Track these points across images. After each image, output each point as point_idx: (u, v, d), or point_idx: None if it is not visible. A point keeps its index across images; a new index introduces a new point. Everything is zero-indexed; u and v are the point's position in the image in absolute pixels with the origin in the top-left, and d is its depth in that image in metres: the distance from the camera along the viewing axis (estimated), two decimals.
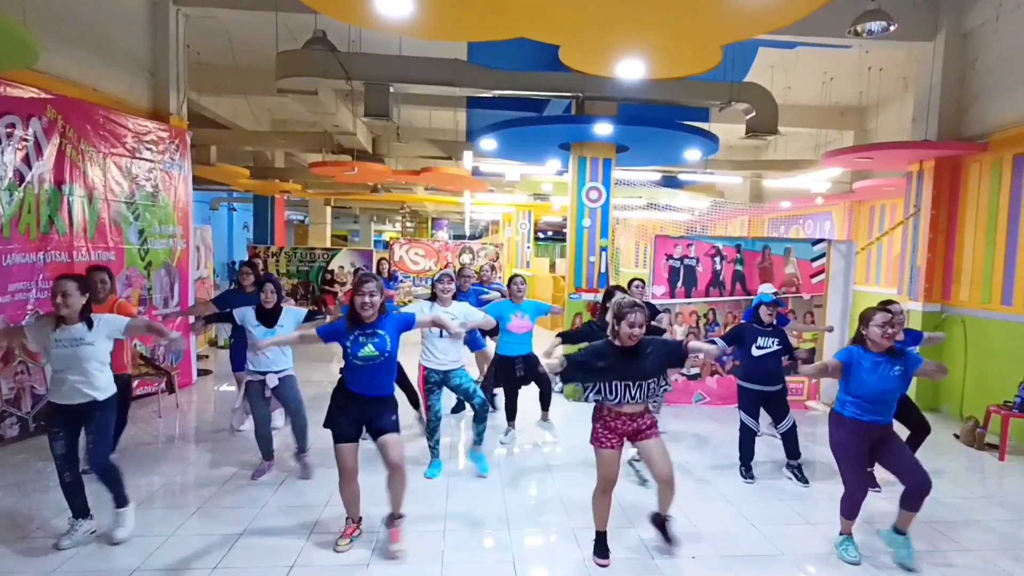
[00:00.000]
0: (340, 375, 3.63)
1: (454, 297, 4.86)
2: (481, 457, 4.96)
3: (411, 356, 4.85)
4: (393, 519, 3.68)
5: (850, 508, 3.70)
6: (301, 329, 4.27)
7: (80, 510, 3.65)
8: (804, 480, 4.88)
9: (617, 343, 3.44)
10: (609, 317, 3.54)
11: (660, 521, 3.69)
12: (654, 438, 3.49)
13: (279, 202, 17.84)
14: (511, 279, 5.67)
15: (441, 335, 4.72)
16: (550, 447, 5.69)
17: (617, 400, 3.42)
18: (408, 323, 3.72)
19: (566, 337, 5.23)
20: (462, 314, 4.79)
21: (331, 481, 4.57)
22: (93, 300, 3.68)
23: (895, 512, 3.65)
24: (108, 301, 4.50)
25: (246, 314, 4.64)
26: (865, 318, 3.68)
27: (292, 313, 4.69)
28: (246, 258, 14.74)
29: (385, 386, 3.62)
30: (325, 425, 3.60)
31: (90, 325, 3.54)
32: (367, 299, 3.49)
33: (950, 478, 5.15)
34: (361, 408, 3.58)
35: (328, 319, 5.02)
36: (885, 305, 4.56)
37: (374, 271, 9.64)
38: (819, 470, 5.19)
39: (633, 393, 3.40)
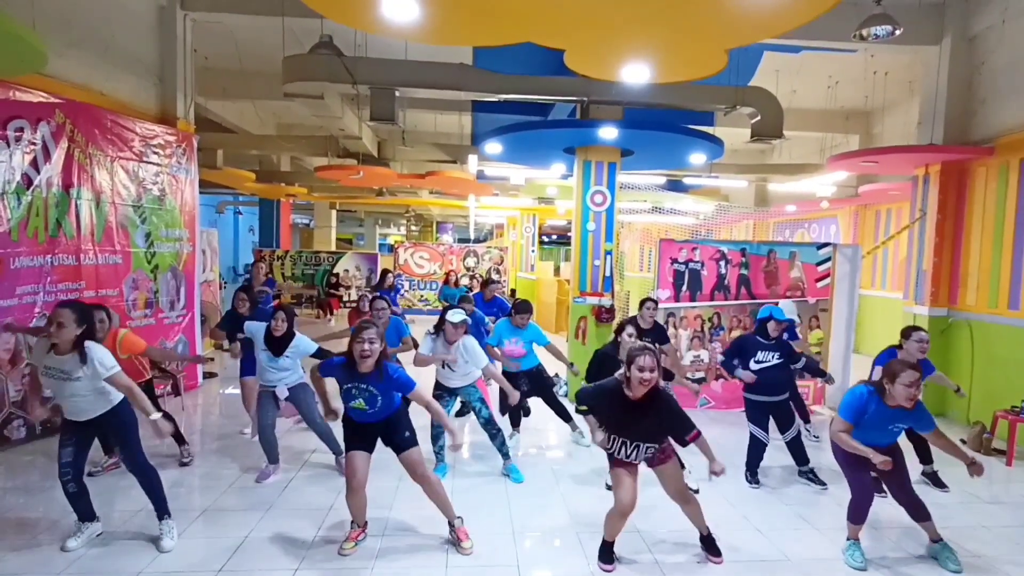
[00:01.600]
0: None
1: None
2: (513, 468, 4.93)
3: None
4: (452, 525, 3.74)
5: (856, 514, 3.69)
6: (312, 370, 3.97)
7: (85, 514, 3.65)
8: (821, 483, 4.88)
9: (628, 393, 3.30)
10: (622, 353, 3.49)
11: (704, 538, 3.71)
12: (668, 463, 3.53)
13: (285, 206, 17.91)
14: (516, 307, 5.59)
15: (444, 366, 4.73)
16: (555, 452, 5.68)
17: (612, 450, 3.45)
18: (407, 387, 3.55)
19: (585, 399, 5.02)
20: (467, 355, 4.68)
21: (337, 484, 4.59)
22: (92, 335, 3.52)
23: (900, 517, 3.64)
24: (108, 335, 4.33)
25: (257, 333, 4.66)
26: (891, 373, 3.42)
27: (302, 345, 4.65)
28: (251, 261, 14.77)
29: (380, 416, 3.61)
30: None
31: (83, 359, 3.37)
32: (366, 347, 3.41)
33: (957, 484, 5.11)
34: (370, 430, 3.63)
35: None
36: (911, 330, 4.56)
37: (378, 279, 9.64)
38: (825, 476, 5.17)
39: (629, 452, 3.42)
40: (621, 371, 3.42)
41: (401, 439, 3.63)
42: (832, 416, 7.00)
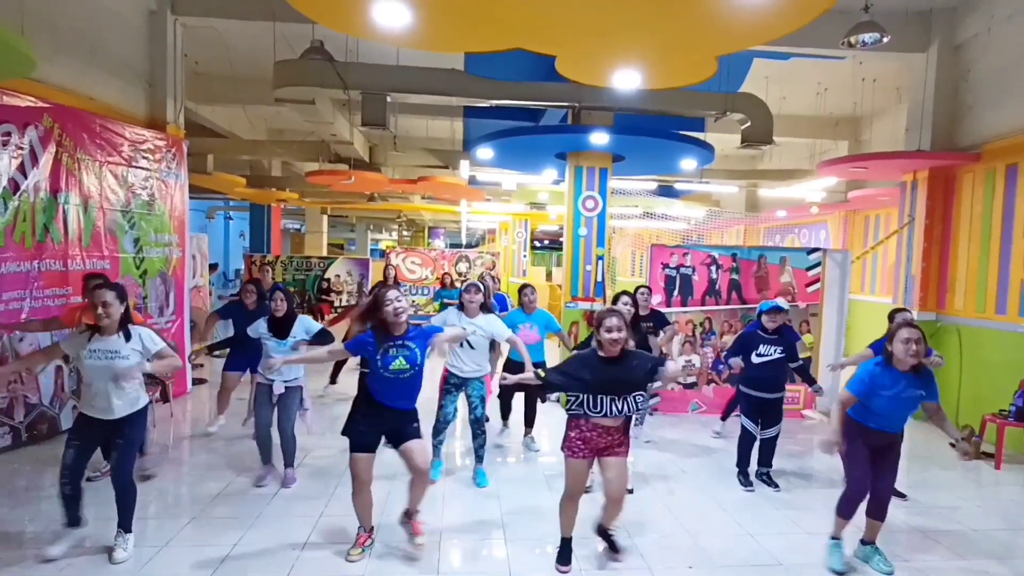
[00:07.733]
0: (361, 382, 3.61)
1: (482, 308, 4.82)
2: (480, 472, 4.95)
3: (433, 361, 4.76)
4: (411, 515, 3.73)
5: (846, 508, 3.67)
6: (329, 347, 4.14)
7: (73, 519, 3.59)
8: (775, 485, 4.94)
9: (602, 353, 3.42)
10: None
11: (604, 532, 3.71)
12: (619, 456, 3.48)
13: (276, 211, 17.83)
14: (521, 288, 5.72)
15: (461, 345, 4.77)
16: (545, 456, 5.67)
17: (602, 412, 3.40)
18: (436, 331, 3.76)
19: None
20: (488, 327, 4.78)
21: (327, 491, 4.56)
22: (128, 312, 3.55)
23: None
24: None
25: (259, 327, 4.62)
26: (891, 332, 3.59)
27: (304, 323, 4.65)
28: (242, 267, 14.70)
29: (410, 399, 3.62)
30: (343, 432, 3.57)
31: (127, 337, 3.44)
32: (397, 305, 3.45)
33: (946, 487, 5.15)
34: (384, 418, 3.57)
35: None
36: (896, 312, 4.64)
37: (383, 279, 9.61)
38: (815, 480, 5.19)
39: (619, 406, 3.39)
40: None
41: (409, 429, 3.61)
42: (824, 419, 7.01)
